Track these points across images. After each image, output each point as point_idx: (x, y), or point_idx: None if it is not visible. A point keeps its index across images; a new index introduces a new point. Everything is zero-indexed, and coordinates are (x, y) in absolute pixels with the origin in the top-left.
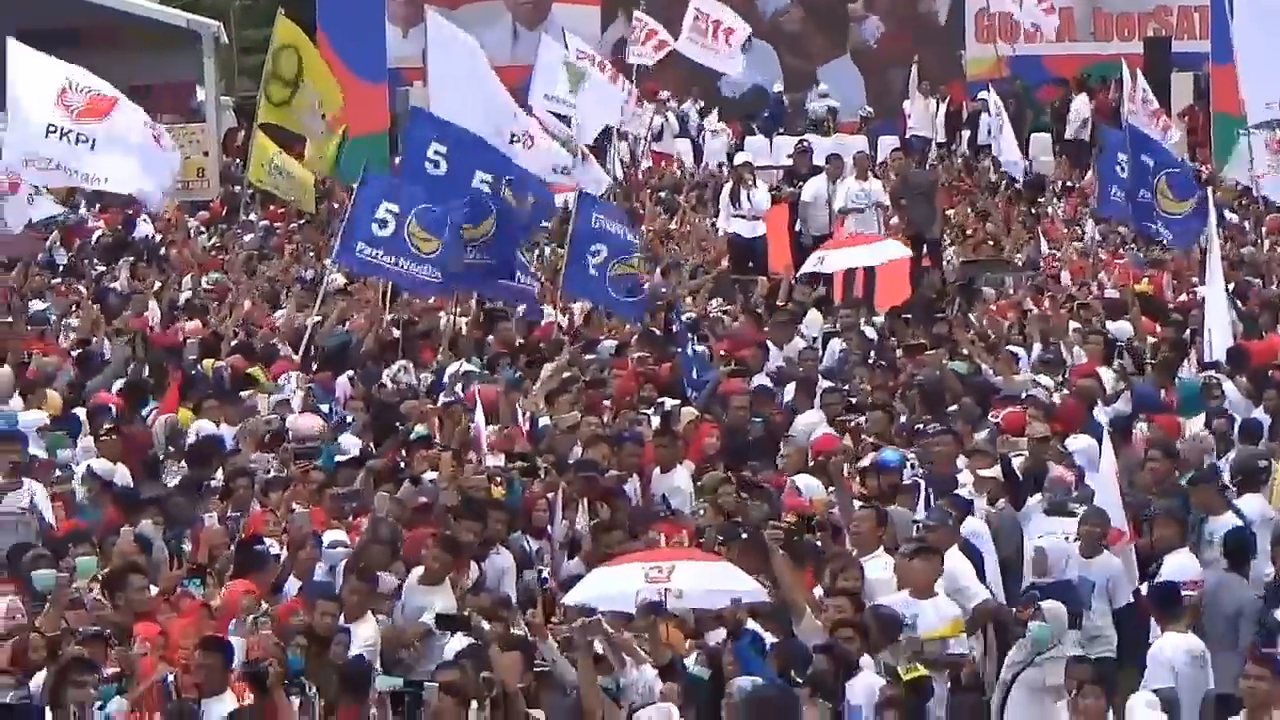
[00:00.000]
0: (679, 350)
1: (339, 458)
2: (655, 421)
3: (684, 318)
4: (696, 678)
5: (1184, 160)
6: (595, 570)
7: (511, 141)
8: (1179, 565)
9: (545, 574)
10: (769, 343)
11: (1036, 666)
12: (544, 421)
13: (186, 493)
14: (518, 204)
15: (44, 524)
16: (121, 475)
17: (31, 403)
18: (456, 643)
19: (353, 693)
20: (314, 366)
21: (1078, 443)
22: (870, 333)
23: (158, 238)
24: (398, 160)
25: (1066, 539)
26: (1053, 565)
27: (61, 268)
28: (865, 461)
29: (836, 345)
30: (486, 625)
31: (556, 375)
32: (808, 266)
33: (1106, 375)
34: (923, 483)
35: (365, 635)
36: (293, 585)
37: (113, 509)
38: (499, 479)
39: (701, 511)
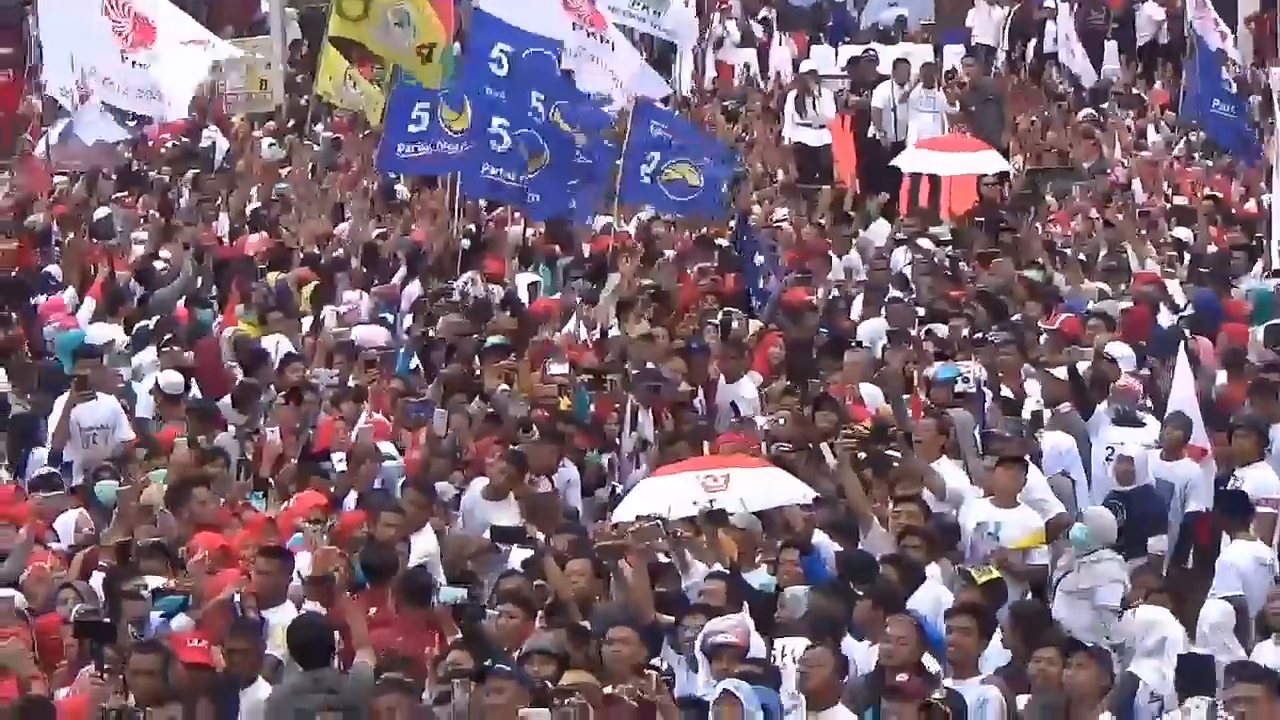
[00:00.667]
0: (746, 261)
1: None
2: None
3: (751, 228)
4: (761, 590)
5: (1252, 69)
6: (648, 479)
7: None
8: (1261, 481)
9: (618, 488)
10: (833, 252)
11: (1073, 571)
12: (613, 332)
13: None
14: (565, 129)
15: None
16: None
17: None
18: (518, 555)
19: (414, 604)
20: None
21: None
22: (927, 243)
23: (225, 149)
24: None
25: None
26: (1136, 472)
27: (129, 180)
28: (930, 371)
29: (901, 255)
30: (542, 536)
31: (624, 285)
32: (901, 161)
33: (1172, 284)
34: (988, 391)
35: (423, 547)
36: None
37: (173, 423)
38: (567, 390)
39: (781, 421)
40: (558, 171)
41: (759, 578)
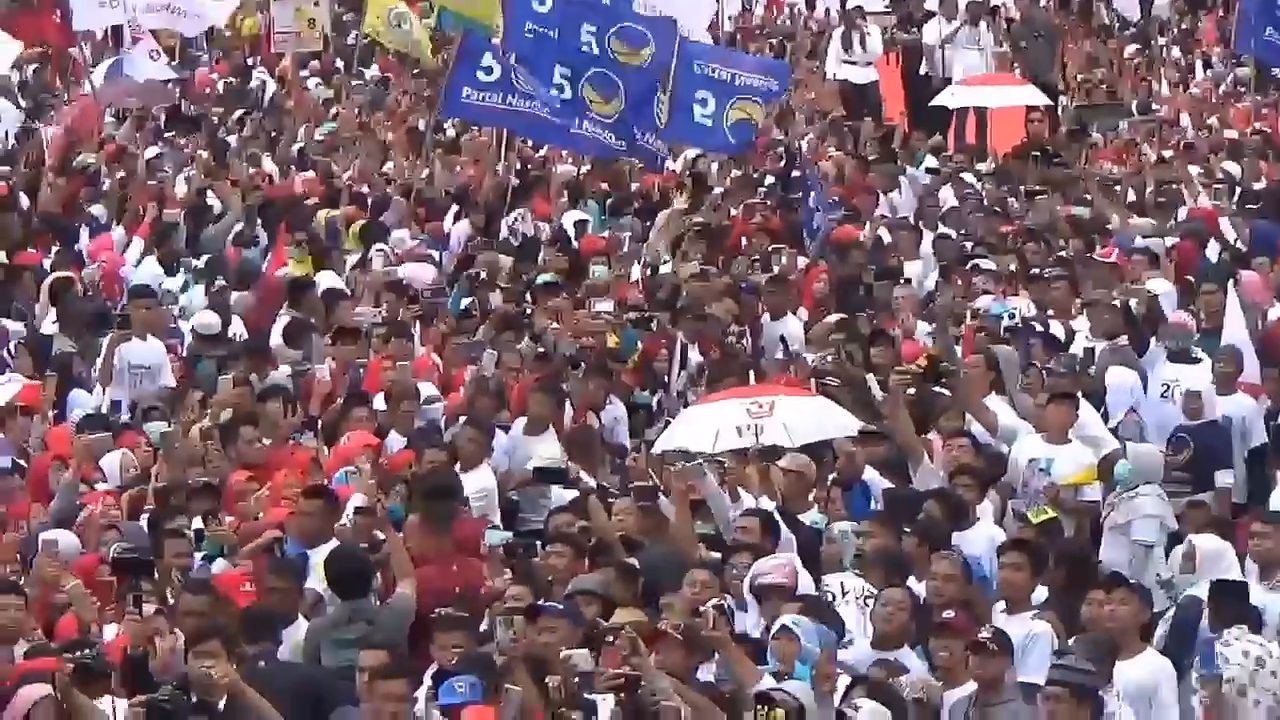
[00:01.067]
0: (797, 198)
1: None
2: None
3: (806, 164)
4: (813, 527)
5: None
6: (692, 407)
7: None
8: None
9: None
10: (880, 189)
11: (1115, 508)
12: (664, 269)
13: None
14: (628, 57)
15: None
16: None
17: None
18: (559, 494)
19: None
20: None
21: None
22: (970, 178)
23: (274, 89)
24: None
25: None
26: (1205, 407)
27: (178, 120)
28: (978, 303)
29: (948, 191)
30: (585, 476)
31: (674, 223)
32: (944, 99)
33: (1222, 219)
34: (1037, 325)
35: (480, 483)
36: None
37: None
38: (615, 328)
39: (828, 358)
40: (638, 108)
41: (809, 516)
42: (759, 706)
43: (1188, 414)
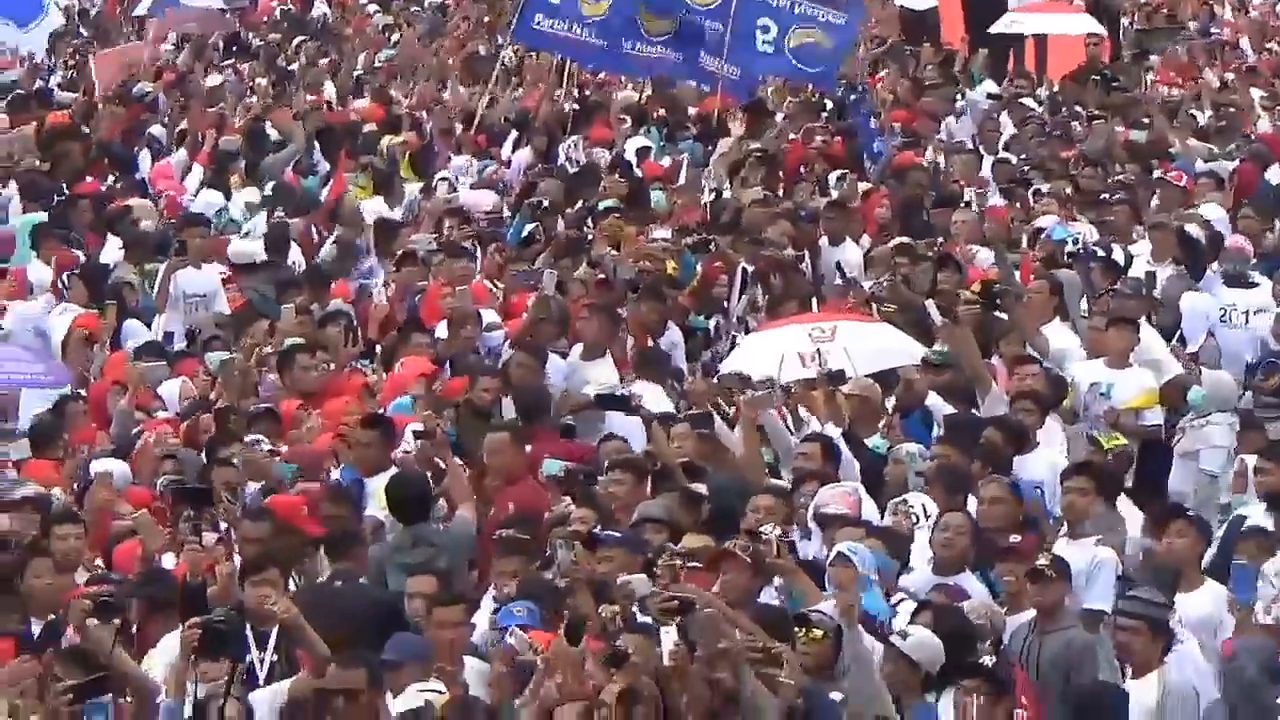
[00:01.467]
0: (855, 123)
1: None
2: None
3: (864, 90)
4: (875, 452)
5: None
6: (754, 334)
7: None
8: None
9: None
10: (939, 114)
11: (1184, 435)
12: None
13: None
14: None
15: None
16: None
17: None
18: (615, 421)
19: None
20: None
21: None
22: (1030, 103)
23: (333, 16)
24: None
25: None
26: None
27: (238, 48)
28: (1039, 222)
29: (1007, 116)
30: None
31: (735, 148)
32: (1001, 25)
33: None
34: (1099, 250)
35: None
36: None
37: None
38: (673, 254)
39: (885, 283)
40: (699, 34)
41: (872, 441)
42: (798, 628)
43: (1278, 338)
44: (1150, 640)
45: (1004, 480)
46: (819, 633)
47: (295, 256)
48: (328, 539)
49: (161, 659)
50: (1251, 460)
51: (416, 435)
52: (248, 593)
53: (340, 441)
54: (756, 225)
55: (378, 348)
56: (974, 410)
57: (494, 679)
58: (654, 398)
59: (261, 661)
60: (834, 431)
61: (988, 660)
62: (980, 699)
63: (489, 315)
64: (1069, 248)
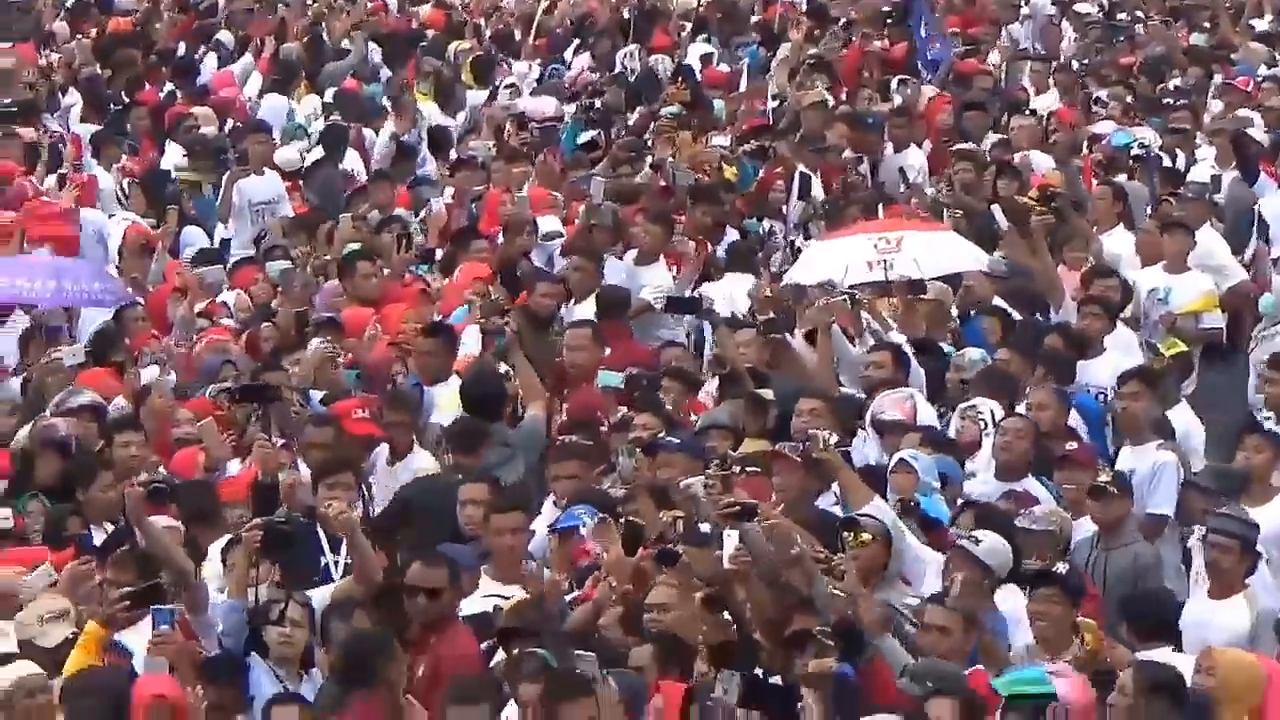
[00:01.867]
0: (912, 28)
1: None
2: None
3: None
4: (948, 357)
5: None
6: (817, 244)
7: None
8: None
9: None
10: (1001, 20)
11: (1256, 344)
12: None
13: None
14: None
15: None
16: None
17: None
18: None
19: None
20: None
21: None
22: (1088, 8)
23: None
24: None
25: None
26: None
27: None
28: (1098, 128)
29: (1068, 26)
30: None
31: (795, 53)
32: None
33: None
34: (1164, 156)
35: (589, 314)
36: None
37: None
38: (731, 159)
39: (945, 188)
40: None
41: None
42: (846, 532)
43: None
44: (1239, 560)
45: (1050, 386)
46: (867, 536)
47: (355, 164)
48: (453, 429)
49: (211, 569)
50: None
51: (485, 333)
52: (321, 495)
53: (398, 349)
54: (814, 129)
55: (438, 253)
56: (1041, 317)
57: (550, 583)
58: (744, 290)
59: (336, 564)
60: (899, 338)
61: (1061, 568)
62: (1057, 609)
63: (551, 223)
64: (1134, 151)
